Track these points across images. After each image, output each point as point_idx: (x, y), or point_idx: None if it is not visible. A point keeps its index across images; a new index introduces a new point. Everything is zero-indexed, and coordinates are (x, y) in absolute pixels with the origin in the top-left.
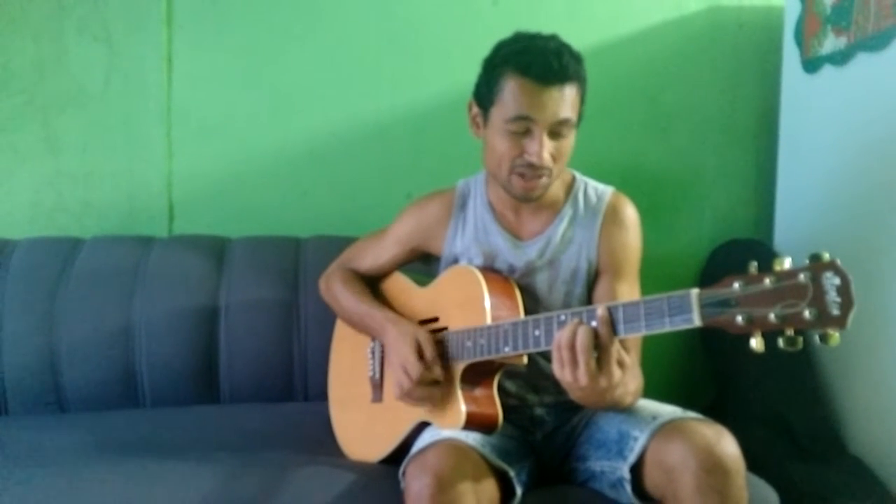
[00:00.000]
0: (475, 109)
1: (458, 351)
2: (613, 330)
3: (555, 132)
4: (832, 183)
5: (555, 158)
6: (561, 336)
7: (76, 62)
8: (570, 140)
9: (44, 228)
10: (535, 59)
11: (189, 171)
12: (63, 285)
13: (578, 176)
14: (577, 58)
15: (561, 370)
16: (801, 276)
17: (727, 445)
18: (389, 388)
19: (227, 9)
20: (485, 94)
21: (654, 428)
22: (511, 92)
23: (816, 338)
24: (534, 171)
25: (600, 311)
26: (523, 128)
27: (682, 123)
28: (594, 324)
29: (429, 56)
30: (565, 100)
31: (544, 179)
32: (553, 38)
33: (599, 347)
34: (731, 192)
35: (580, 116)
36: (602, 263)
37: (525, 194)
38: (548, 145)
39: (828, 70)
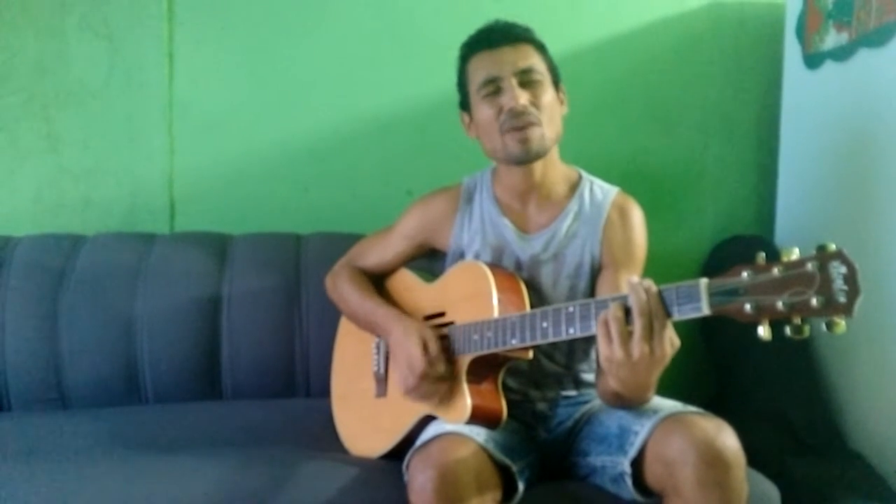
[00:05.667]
0: (465, 117)
1: (465, 344)
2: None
3: (524, 82)
4: (834, 179)
5: (535, 105)
6: (609, 310)
7: (78, 59)
8: (546, 92)
9: (46, 226)
10: (481, 33)
11: (191, 167)
12: (65, 282)
13: (584, 174)
14: (525, 27)
15: (609, 345)
16: (809, 265)
17: (727, 439)
18: (393, 382)
19: (228, 5)
20: (463, 92)
21: (654, 422)
22: (474, 68)
23: (823, 326)
24: (519, 118)
25: (647, 283)
26: (494, 88)
27: (683, 119)
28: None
29: (430, 53)
30: (521, 53)
31: (535, 129)
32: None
33: (653, 316)
34: (733, 189)
35: (556, 79)
36: (605, 258)
37: (522, 147)
38: (521, 93)
39: (829, 66)
